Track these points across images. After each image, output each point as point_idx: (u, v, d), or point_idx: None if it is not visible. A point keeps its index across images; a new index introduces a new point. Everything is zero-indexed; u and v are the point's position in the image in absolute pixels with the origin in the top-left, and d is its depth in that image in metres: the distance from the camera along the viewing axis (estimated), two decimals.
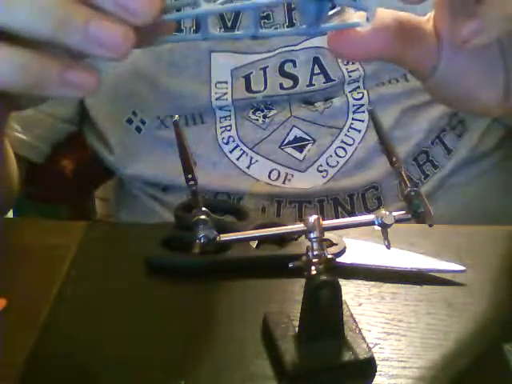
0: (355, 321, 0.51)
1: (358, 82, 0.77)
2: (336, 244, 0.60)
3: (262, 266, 0.59)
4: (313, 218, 0.48)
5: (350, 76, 0.76)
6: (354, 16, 0.43)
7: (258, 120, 0.78)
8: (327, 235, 0.50)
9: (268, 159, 0.78)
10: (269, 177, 0.78)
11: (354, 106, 0.77)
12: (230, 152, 0.78)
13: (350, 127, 0.78)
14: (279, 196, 0.79)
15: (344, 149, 0.78)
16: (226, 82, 0.76)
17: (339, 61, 0.76)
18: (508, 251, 0.61)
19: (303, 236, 0.50)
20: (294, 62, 0.76)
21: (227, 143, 0.78)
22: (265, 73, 0.76)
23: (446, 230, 0.64)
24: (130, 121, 0.80)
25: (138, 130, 0.80)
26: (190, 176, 0.48)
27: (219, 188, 0.79)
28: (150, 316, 0.55)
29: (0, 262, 0.60)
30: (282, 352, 0.48)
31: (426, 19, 0.47)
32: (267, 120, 0.78)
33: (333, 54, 0.46)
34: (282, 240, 0.61)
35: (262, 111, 0.78)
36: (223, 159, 0.79)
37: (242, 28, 0.76)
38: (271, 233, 0.51)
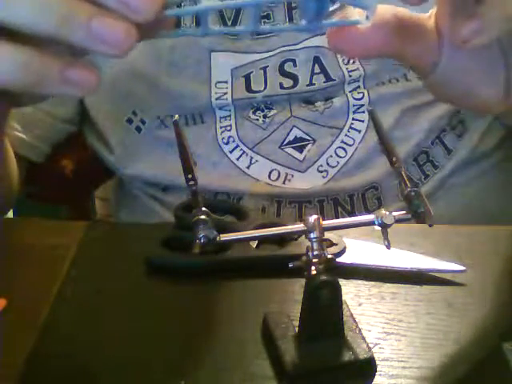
0: (355, 321, 0.51)
1: (359, 81, 0.77)
2: (336, 244, 0.60)
3: (262, 265, 0.59)
4: (313, 218, 0.48)
5: (350, 76, 0.76)
6: (355, 12, 0.43)
7: (258, 120, 0.78)
8: (327, 235, 0.50)
9: (268, 159, 0.78)
10: (269, 177, 0.78)
11: (354, 106, 0.77)
12: (230, 152, 0.78)
13: (351, 127, 0.78)
14: (279, 196, 0.79)
15: (344, 149, 0.78)
16: (226, 82, 0.76)
17: (339, 60, 0.76)
18: (508, 251, 0.61)
19: (303, 236, 0.50)
20: (294, 61, 0.76)
21: (227, 143, 0.78)
22: (265, 72, 0.76)
23: (446, 229, 0.64)
24: (130, 121, 0.80)
25: (138, 129, 0.80)
26: (189, 176, 0.48)
27: (219, 188, 0.79)
28: (150, 316, 0.55)
29: (0, 262, 0.60)
30: (282, 352, 0.48)
31: (428, 16, 0.48)
32: (267, 120, 0.78)
33: (332, 51, 0.46)
34: (282, 240, 0.61)
35: (262, 111, 0.78)
36: (223, 159, 0.79)
37: (241, 33, 0.76)
38: (271, 233, 0.51)
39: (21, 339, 0.52)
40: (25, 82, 0.40)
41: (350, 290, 0.57)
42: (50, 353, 0.51)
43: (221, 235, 0.48)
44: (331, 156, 0.78)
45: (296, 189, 0.78)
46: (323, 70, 0.76)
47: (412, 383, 0.48)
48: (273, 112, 0.78)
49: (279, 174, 0.78)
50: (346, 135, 0.78)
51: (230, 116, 0.78)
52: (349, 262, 0.59)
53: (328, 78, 0.76)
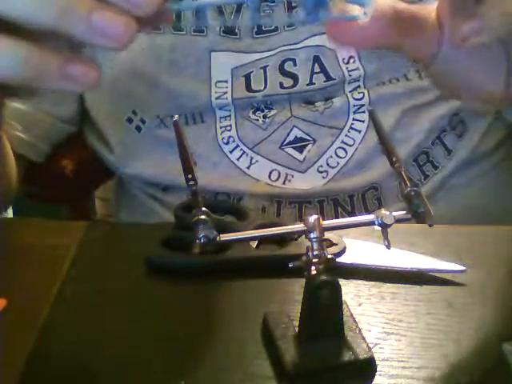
0: (355, 321, 0.51)
1: (359, 81, 0.77)
2: (336, 244, 0.60)
3: (262, 265, 0.59)
4: (313, 218, 0.48)
5: (350, 75, 0.76)
6: (354, 7, 0.44)
7: (258, 120, 0.78)
8: (327, 235, 0.50)
9: (268, 159, 0.78)
10: (269, 177, 0.78)
11: (354, 106, 0.77)
12: (230, 152, 0.78)
13: (351, 127, 0.78)
14: (279, 196, 0.79)
15: (344, 149, 0.78)
16: (226, 81, 0.76)
17: (339, 60, 0.76)
18: (508, 251, 0.61)
19: (303, 236, 0.50)
20: (294, 60, 0.76)
21: (227, 143, 0.78)
22: (265, 72, 0.76)
23: (446, 229, 0.64)
24: (130, 120, 0.80)
25: (138, 129, 0.80)
26: (189, 176, 0.48)
27: (219, 188, 0.79)
28: (149, 316, 0.55)
29: (0, 262, 0.60)
30: (282, 352, 0.48)
31: (429, 8, 0.48)
32: (267, 120, 0.78)
33: (331, 42, 0.46)
34: (282, 240, 0.61)
35: (262, 111, 0.78)
36: (223, 159, 0.79)
37: (241, 25, 0.76)
38: (271, 233, 0.51)
39: (21, 339, 0.52)
40: (24, 76, 0.40)
41: (350, 289, 0.56)
42: (50, 353, 0.51)
43: (221, 235, 0.48)
44: (331, 156, 0.78)
45: (296, 189, 0.78)
46: (323, 70, 0.76)
47: (412, 383, 0.48)
48: (273, 112, 0.78)
49: (279, 174, 0.78)
50: (346, 135, 0.78)
51: (230, 116, 0.78)
52: (349, 262, 0.59)
53: (328, 78, 0.76)
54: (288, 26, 0.76)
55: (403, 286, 0.57)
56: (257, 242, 0.61)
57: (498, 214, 0.81)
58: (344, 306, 0.50)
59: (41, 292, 0.57)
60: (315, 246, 0.48)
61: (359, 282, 0.57)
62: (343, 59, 0.76)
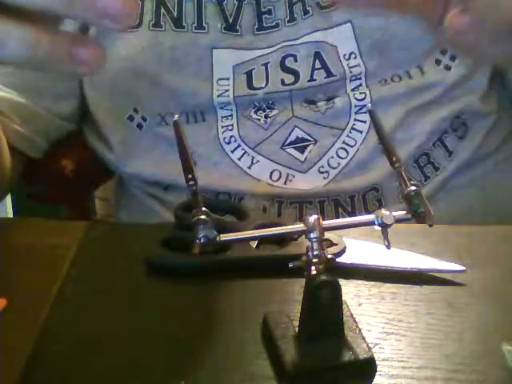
0: (355, 321, 0.51)
1: (360, 79, 0.77)
2: (336, 244, 0.60)
3: (262, 265, 0.59)
4: (313, 218, 0.48)
5: (350, 72, 0.76)
6: None
7: (259, 120, 0.78)
8: (327, 235, 0.50)
9: (269, 159, 0.78)
10: (270, 177, 0.78)
11: (356, 106, 0.77)
12: (232, 152, 0.78)
13: (352, 128, 0.78)
14: (280, 196, 0.78)
15: (345, 150, 0.78)
16: (227, 79, 0.76)
17: (340, 56, 0.76)
18: (508, 251, 0.61)
19: (303, 236, 0.50)
20: (295, 56, 0.76)
21: (229, 143, 0.78)
22: (266, 68, 0.76)
23: (446, 229, 0.64)
24: (131, 118, 0.80)
25: (140, 126, 0.80)
26: (189, 176, 0.48)
27: (220, 188, 0.79)
28: (150, 316, 0.55)
29: (0, 262, 0.60)
30: (282, 352, 0.48)
31: None
32: (269, 120, 0.78)
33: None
34: (282, 240, 0.61)
35: (264, 111, 0.78)
36: (224, 159, 0.78)
37: (243, 24, 0.76)
38: (271, 233, 0.51)
39: (21, 339, 0.52)
40: (34, 61, 0.40)
41: (350, 289, 0.56)
42: (49, 353, 0.51)
43: (221, 235, 0.48)
44: (332, 157, 0.78)
45: (297, 189, 0.78)
46: (324, 66, 0.76)
47: (412, 383, 0.48)
48: (274, 112, 0.78)
49: (280, 174, 0.78)
50: (347, 136, 0.78)
51: (231, 115, 0.78)
52: (349, 262, 0.59)
53: (329, 74, 0.76)
54: (289, 22, 0.76)
55: (403, 286, 0.57)
56: (257, 242, 0.61)
57: (498, 215, 0.81)
58: (344, 306, 0.50)
59: (41, 292, 0.57)
60: (315, 246, 0.48)
61: (359, 282, 0.57)
62: (344, 55, 0.76)
